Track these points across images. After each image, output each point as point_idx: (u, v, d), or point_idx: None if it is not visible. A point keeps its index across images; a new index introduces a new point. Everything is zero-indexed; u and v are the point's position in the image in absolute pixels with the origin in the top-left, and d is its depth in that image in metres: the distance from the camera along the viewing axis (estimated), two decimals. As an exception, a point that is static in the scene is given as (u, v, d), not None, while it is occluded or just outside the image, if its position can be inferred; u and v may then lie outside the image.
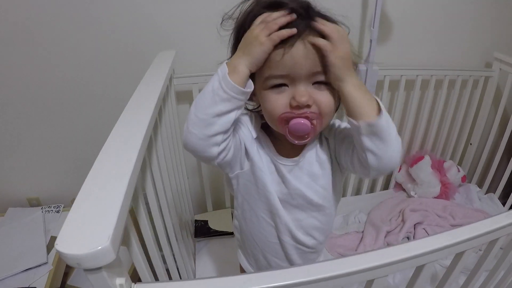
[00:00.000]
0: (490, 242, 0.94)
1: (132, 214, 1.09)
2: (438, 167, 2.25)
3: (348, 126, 0.94)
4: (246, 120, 1.03)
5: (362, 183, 2.38)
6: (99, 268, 0.56)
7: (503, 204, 2.33)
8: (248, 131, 1.03)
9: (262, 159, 1.05)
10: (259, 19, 0.85)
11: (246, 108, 1.07)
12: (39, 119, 1.82)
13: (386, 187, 2.49)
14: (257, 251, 1.22)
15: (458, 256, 0.88)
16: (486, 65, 2.30)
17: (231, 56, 0.95)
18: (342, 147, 1.01)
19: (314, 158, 1.06)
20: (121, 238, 0.61)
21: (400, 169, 2.38)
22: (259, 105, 1.03)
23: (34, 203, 2.05)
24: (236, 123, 0.95)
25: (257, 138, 1.05)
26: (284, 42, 0.84)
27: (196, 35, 1.73)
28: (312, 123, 0.89)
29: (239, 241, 1.28)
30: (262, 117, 1.05)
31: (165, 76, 1.30)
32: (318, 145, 1.06)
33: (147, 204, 1.12)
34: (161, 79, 1.26)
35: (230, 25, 0.98)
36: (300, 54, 0.84)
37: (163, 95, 1.30)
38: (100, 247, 0.54)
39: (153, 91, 1.15)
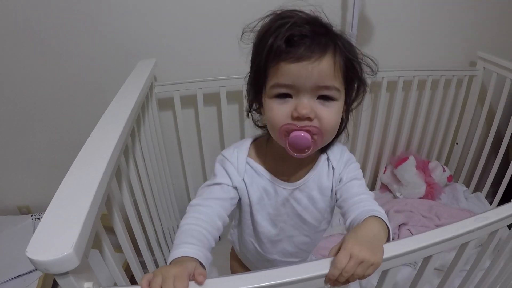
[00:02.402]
0: (462, 245, 0.94)
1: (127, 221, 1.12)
2: (423, 167, 2.26)
3: (357, 187, 1.05)
4: (230, 170, 1.04)
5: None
6: (66, 273, 0.60)
7: (490, 203, 2.35)
8: (232, 181, 1.04)
9: (256, 192, 1.07)
10: None
11: (256, 125, 1.10)
12: (28, 127, 1.83)
13: (372, 188, 2.49)
14: (251, 263, 1.32)
15: (426, 259, 0.89)
16: (471, 65, 2.30)
17: (250, 70, 1.00)
18: (340, 198, 1.06)
19: (316, 183, 1.08)
20: (86, 245, 0.64)
21: (385, 170, 2.39)
22: None
23: (24, 211, 2.06)
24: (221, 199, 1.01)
25: (249, 172, 1.06)
26: (294, 52, 0.85)
27: (176, 43, 1.75)
28: (312, 138, 0.89)
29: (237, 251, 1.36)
30: (255, 144, 1.11)
31: (143, 85, 1.32)
32: (322, 172, 1.09)
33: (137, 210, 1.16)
34: (138, 88, 1.28)
35: (251, 39, 0.97)
36: (308, 66, 0.85)
37: (141, 104, 1.33)
38: (64, 254, 0.58)
39: (129, 101, 1.17)
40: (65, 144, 1.88)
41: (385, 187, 2.40)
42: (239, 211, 1.14)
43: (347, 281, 0.73)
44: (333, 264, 0.72)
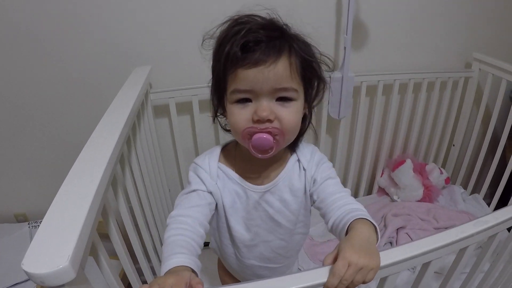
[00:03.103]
0: (461, 250, 0.93)
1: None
2: (420, 170, 2.26)
3: (332, 186, 1.06)
4: (203, 176, 1.07)
5: (345, 188, 2.36)
6: (62, 286, 0.60)
7: (488, 204, 2.34)
8: (206, 187, 1.07)
9: (228, 196, 1.09)
10: None
11: (224, 129, 1.12)
12: (23, 134, 1.82)
13: (369, 192, 2.49)
14: (233, 269, 1.31)
15: (425, 265, 0.88)
16: (466, 66, 2.31)
17: (212, 77, 1.01)
18: (318, 200, 1.07)
19: (287, 185, 1.10)
20: (82, 257, 0.64)
21: (382, 173, 2.39)
22: None
23: (21, 218, 2.05)
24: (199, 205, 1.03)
25: (222, 176, 1.09)
26: (250, 58, 0.87)
27: (171, 50, 1.75)
28: (274, 138, 0.92)
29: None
30: (225, 148, 1.14)
31: (138, 93, 1.32)
32: (293, 173, 1.10)
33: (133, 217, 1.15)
34: (134, 96, 1.28)
35: (211, 45, 1.00)
36: (265, 70, 0.87)
37: (137, 112, 1.32)
38: (60, 267, 0.57)
39: (124, 110, 1.17)
40: (61, 151, 1.87)
41: (382, 191, 2.40)
42: (216, 217, 1.15)
43: None
44: (331, 273, 0.72)
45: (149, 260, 1.44)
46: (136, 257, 1.26)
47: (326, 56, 1.02)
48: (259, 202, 1.10)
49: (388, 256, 0.77)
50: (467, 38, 2.23)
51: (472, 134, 2.36)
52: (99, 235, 0.83)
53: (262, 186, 1.09)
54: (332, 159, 2.28)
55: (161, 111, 1.86)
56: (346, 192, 1.04)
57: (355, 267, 0.72)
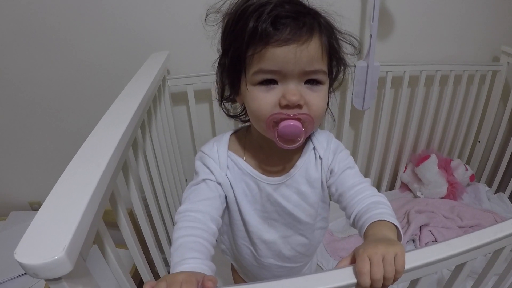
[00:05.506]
0: (496, 251, 0.86)
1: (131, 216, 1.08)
2: (445, 166, 2.20)
3: (352, 178, 0.97)
4: (212, 166, 0.98)
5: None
6: (58, 278, 0.55)
7: (513, 204, 2.27)
8: (216, 177, 0.97)
9: (239, 188, 1.00)
10: None
11: (229, 115, 1.05)
12: (39, 122, 1.81)
13: (391, 187, 2.45)
14: (247, 271, 1.23)
15: (459, 267, 0.82)
16: (494, 59, 2.24)
17: (221, 54, 0.95)
18: (337, 193, 0.99)
19: (304, 176, 1.01)
20: (82, 247, 0.59)
21: (405, 168, 2.34)
22: (243, 109, 1.00)
23: (35, 207, 2.06)
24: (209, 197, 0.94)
25: (231, 166, 1.00)
26: (280, 35, 0.78)
27: (190, 35, 1.71)
28: (303, 126, 0.83)
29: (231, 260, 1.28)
30: (236, 134, 1.05)
31: (154, 78, 1.27)
32: (310, 163, 1.01)
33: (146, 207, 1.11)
34: (149, 80, 1.23)
35: (216, 20, 0.94)
36: (297, 49, 0.79)
37: (152, 96, 1.28)
38: (55, 257, 0.53)
39: (138, 92, 1.12)
40: (76, 140, 1.81)
41: (405, 186, 2.35)
42: (228, 211, 1.05)
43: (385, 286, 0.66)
44: (357, 273, 0.65)
45: (162, 251, 1.41)
46: (148, 248, 1.23)
47: (353, 37, 0.93)
48: (273, 195, 1.00)
49: (420, 256, 0.70)
50: (496, 30, 2.16)
51: (498, 130, 2.30)
52: (110, 224, 0.79)
53: (277, 178, 0.99)
54: (354, 152, 2.25)
55: (179, 98, 1.82)
56: (367, 183, 0.97)
57: (376, 256, 0.66)
